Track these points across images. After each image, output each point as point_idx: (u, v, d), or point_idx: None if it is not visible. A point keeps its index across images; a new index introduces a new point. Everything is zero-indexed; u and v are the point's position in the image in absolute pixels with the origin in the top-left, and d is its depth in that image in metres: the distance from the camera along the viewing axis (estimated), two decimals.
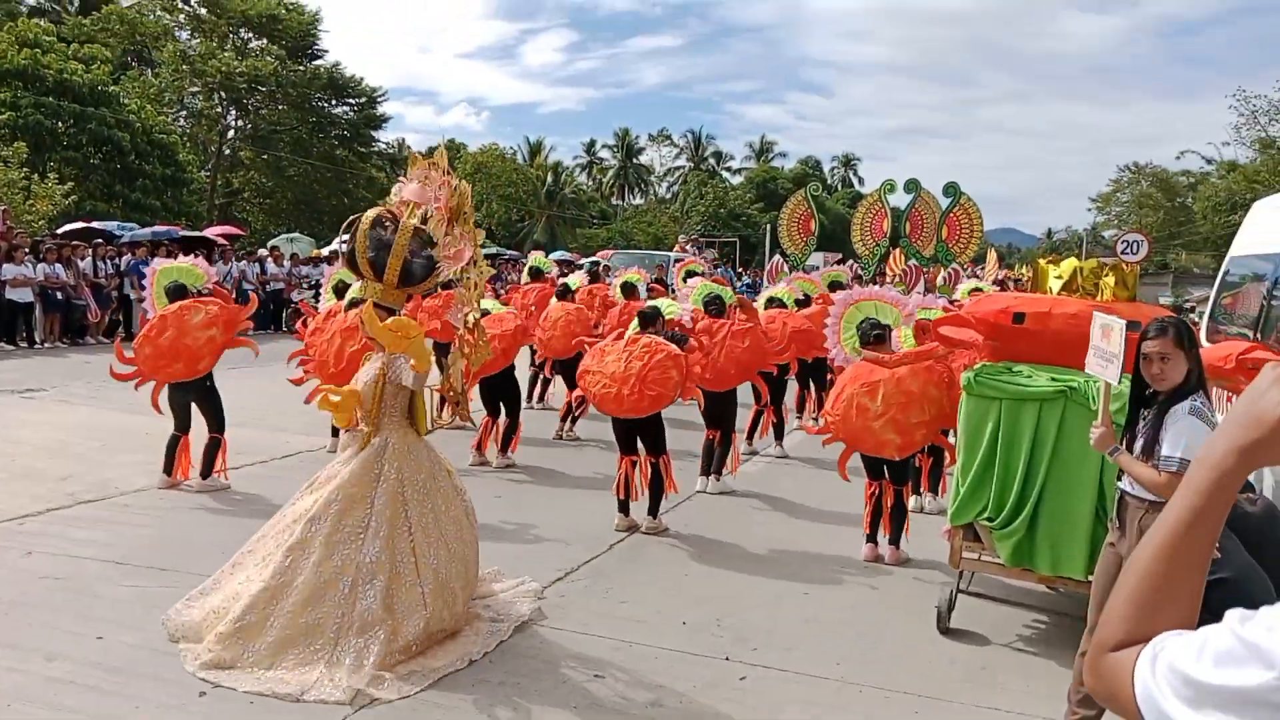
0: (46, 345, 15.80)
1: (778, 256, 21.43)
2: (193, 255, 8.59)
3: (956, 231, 21.44)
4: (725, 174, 68.54)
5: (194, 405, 7.39)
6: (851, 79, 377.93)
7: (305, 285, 20.55)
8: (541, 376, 11.77)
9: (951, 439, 6.16)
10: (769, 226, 35.79)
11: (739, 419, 8.45)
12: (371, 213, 4.61)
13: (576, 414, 10.25)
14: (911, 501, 7.19)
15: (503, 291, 13.89)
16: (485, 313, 8.83)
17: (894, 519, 6.48)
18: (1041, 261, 5.73)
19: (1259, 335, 6.16)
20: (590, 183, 67.23)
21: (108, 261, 17.56)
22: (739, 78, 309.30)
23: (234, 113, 38.73)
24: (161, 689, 4.15)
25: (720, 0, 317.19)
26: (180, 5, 38.76)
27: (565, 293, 10.76)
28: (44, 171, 23.90)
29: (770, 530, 7.18)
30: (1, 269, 15.23)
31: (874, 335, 6.46)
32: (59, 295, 16.11)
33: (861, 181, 73.09)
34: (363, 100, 40.67)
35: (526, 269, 13.88)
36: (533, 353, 11.55)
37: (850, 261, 21.76)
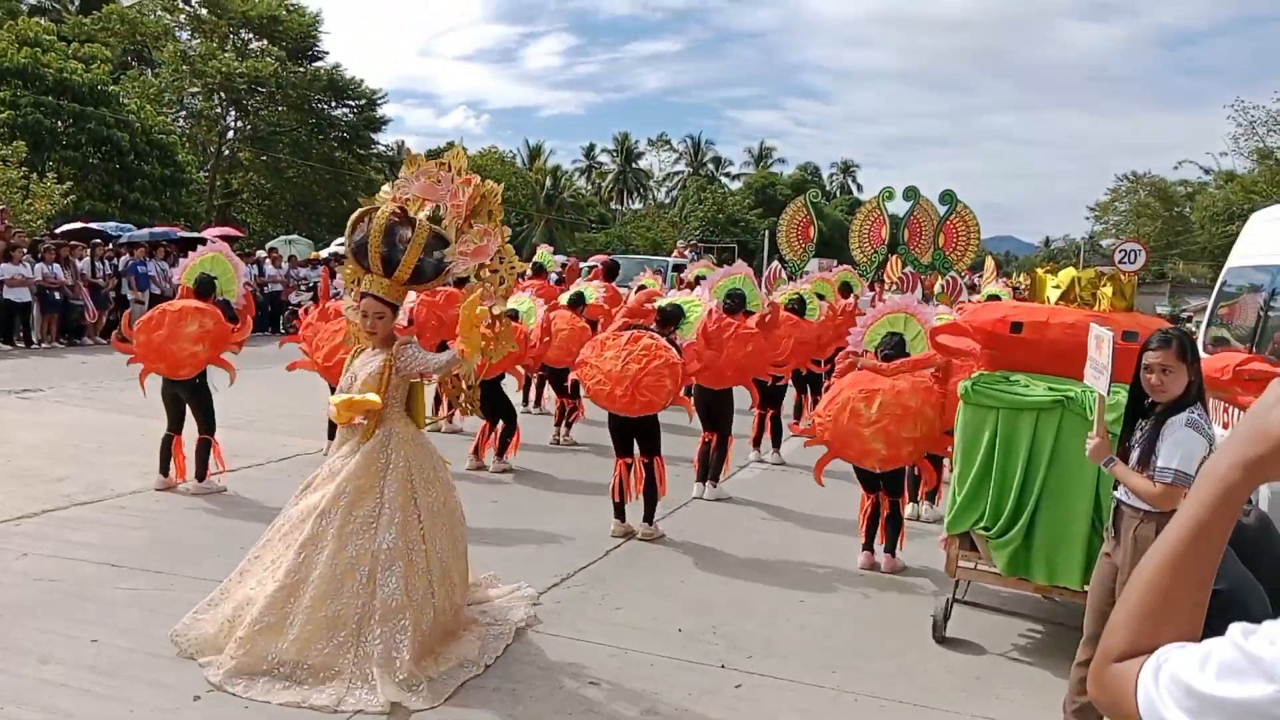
0: (43, 345, 15.79)
1: (775, 263, 21.45)
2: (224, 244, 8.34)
3: (954, 239, 21.50)
4: (724, 179, 68.68)
5: (186, 403, 7.39)
6: (851, 86, 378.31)
7: (303, 287, 20.55)
8: (535, 379, 11.70)
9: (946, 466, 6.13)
10: (767, 232, 35.80)
11: (743, 426, 8.43)
12: (387, 208, 4.60)
13: (570, 418, 10.25)
14: (908, 510, 7.19)
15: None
16: (514, 313, 8.85)
17: (890, 527, 6.47)
18: (1039, 271, 5.74)
19: (1256, 347, 6.18)
20: (589, 187, 67.35)
21: (105, 262, 17.56)
22: (738, 83, 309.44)
23: (233, 113, 38.78)
24: (156, 693, 4.14)
25: (720, 6, 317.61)
26: (181, 5, 38.83)
27: (579, 301, 10.39)
28: (43, 171, 23.91)
29: (766, 537, 7.18)
30: None
31: (885, 354, 6.43)
32: (57, 295, 16.11)
33: (860, 188, 73.23)
34: (362, 102, 40.75)
35: (531, 264, 13.76)
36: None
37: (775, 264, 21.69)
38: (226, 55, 36.07)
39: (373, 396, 4.50)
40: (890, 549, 6.48)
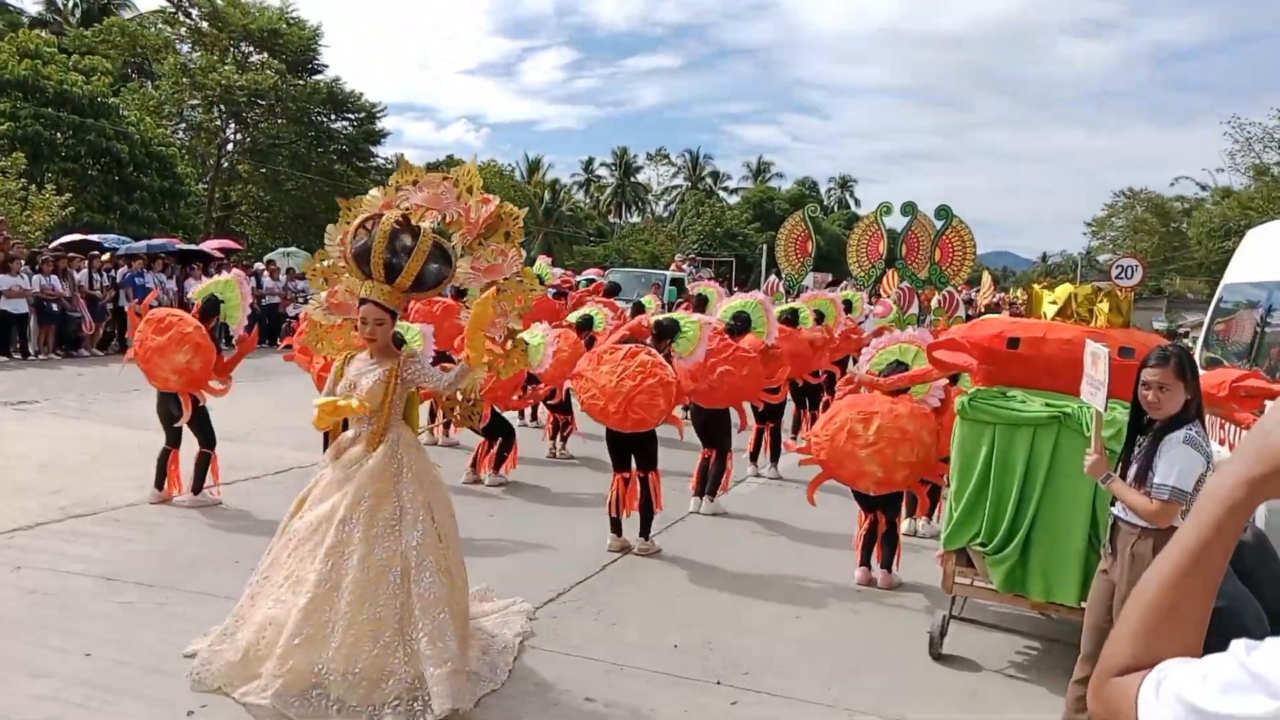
0: (40, 357, 15.76)
1: (773, 276, 21.49)
2: (234, 270, 8.38)
3: (949, 254, 21.55)
4: (722, 193, 68.91)
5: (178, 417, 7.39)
6: (848, 102, 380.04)
7: (301, 300, 20.54)
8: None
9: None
10: (765, 246, 35.87)
11: (740, 440, 8.40)
12: (392, 215, 4.60)
13: (565, 433, 10.24)
14: (904, 525, 7.18)
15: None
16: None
17: (887, 544, 6.46)
18: (1036, 287, 5.75)
19: (1252, 362, 6.18)
20: (588, 200, 67.51)
21: (103, 274, 17.55)
22: (736, 99, 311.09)
23: (233, 126, 38.85)
24: (149, 707, 4.12)
25: (718, 22, 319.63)
26: (182, 18, 38.93)
27: (587, 325, 10.15)
28: (42, 182, 23.92)
29: (763, 553, 7.16)
30: None
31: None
32: (54, 307, 16.10)
33: (858, 203, 73.53)
34: (362, 115, 40.80)
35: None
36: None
37: (773, 278, 21.69)
38: (226, 68, 36.15)
39: (354, 402, 4.49)
40: (887, 565, 6.47)
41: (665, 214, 67.90)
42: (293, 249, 30.45)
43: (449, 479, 8.24)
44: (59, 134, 26.40)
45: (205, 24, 38.27)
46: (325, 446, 6.23)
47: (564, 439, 10.26)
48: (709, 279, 18.74)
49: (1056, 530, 4.87)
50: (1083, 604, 4.61)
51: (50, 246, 18.47)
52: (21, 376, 13.63)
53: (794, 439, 11.13)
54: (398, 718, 4.04)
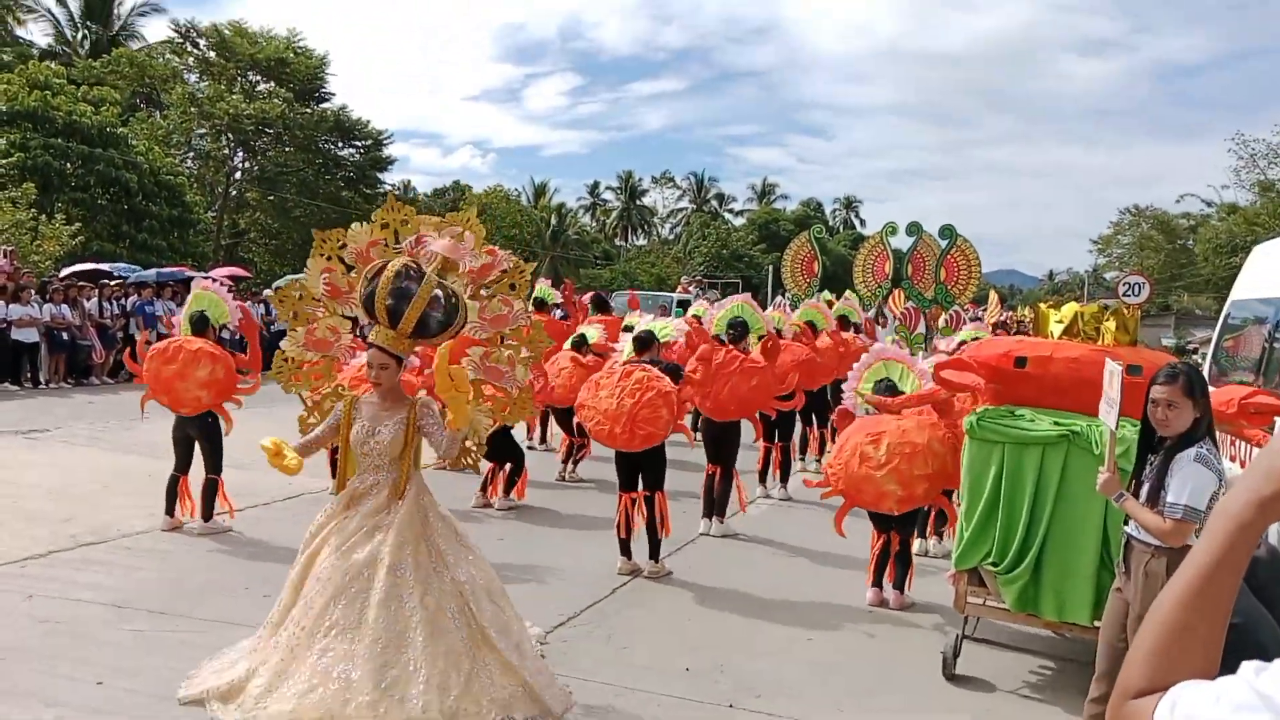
0: (51, 385, 15.82)
1: (780, 297, 21.50)
2: (220, 284, 8.36)
3: (954, 273, 21.55)
4: (728, 215, 69.15)
5: (195, 442, 7.42)
6: (851, 122, 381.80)
7: None
8: (539, 417, 11.71)
9: (955, 500, 6.09)
10: (771, 267, 35.90)
11: (748, 460, 8.38)
12: (398, 261, 4.62)
13: (578, 456, 10.24)
14: (916, 545, 7.15)
15: None
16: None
17: (899, 564, 6.44)
18: (1042, 306, 5.75)
19: (1261, 379, 6.17)
20: (594, 224, 67.78)
21: (113, 302, 17.64)
22: (740, 121, 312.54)
23: (241, 154, 39.09)
24: None
25: (721, 45, 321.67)
26: (189, 49, 39.28)
27: (581, 343, 10.35)
28: (51, 212, 24.09)
29: (773, 574, 7.14)
30: (8, 309, 15.30)
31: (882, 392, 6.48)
32: (64, 336, 16.17)
33: (863, 223, 73.67)
34: (369, 142, 41.06)
35: (531, 299, 13.74)
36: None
37: (779, 301, 21.63)
38: (234, 97, 36.43)
39: (293, 460, 4.51)
40: (899, 585, 6.45)
41: (671, 236, 68.11)
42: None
43: (459, 503, 8.27)
44: (68, 164, 26.60)
45: (213, 54, 38.61)
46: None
47: (575, 462, 10.25)
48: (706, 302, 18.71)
49: (1068, 549, 4.85)
50: (1095, 623, 4.59)
51: (60, 276, 18.57)
52: (32, 405, 13.69)
53: (802, 458, 11.13)
54: None
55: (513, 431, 8.88)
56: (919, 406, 6.21)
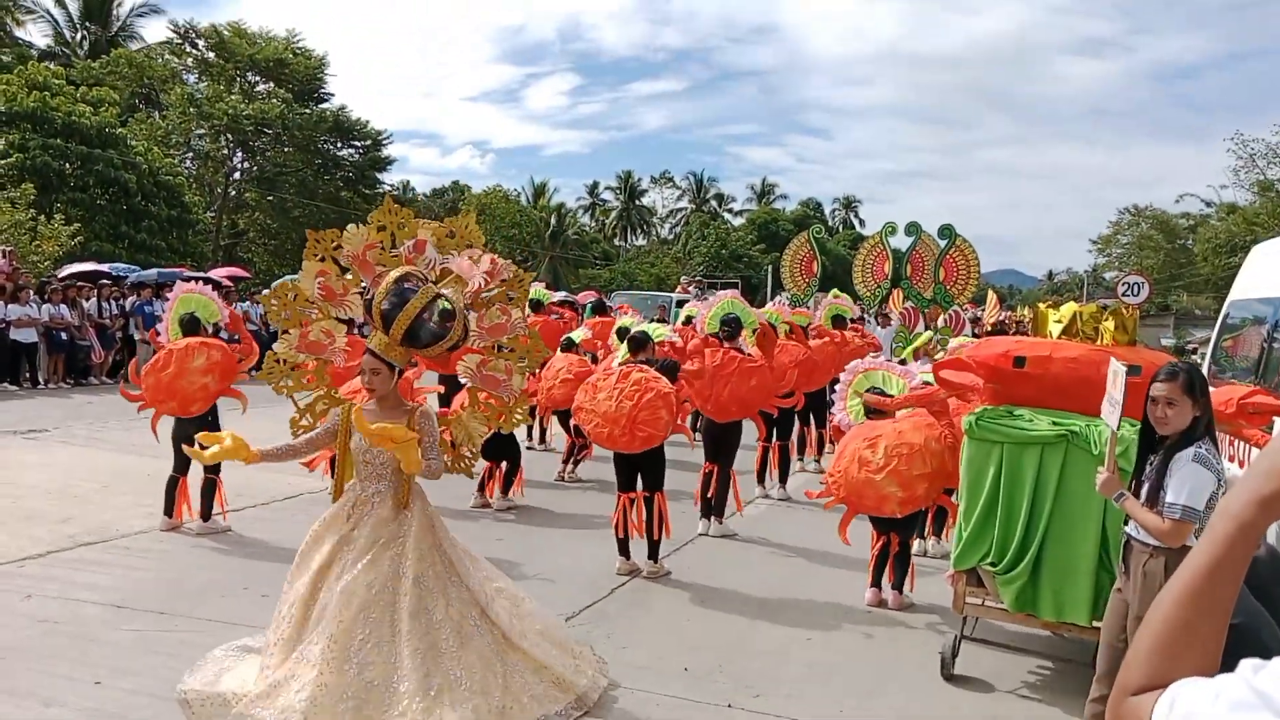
0: (50, 386, 15.82)
1: (779, 297, 21.49)
2: (209, 286, 8.33)
3: (953, 273, 21.54)
4: (727, 215, 69.10)
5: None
6: (851, 122, 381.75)
7: None
8: (540, 419, 11.73)
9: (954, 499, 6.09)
10: (771, 267, 35.90)
11: (747, 460, 8.38)
12: (401, 269, 4.62)
13: (579, 456, 10.23)
14: (915, 546, 7.15)
15: None
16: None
17: (898, 564, 6.44)
18: (1041, 306, 5.75)
19: (1260, 379, 6.17)
20: (593, 224, 67.75)
21: (112, 302, 17.64)
22: (740, 121, 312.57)
23: (240, 154, 39.09)
24: None
25: (721, 46, 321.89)
26: (188, 49, 39.29)
27: (569, 346, 10.52)
28: (50, 213, 24.08)
29: (773, 574, 7.13)
30: (6, 309, 15.30)
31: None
32: (63, 336, 16.17)
33: (862, 223, 73.65)
34: (368, 143, 41.08)
35: (526, 301, 13.75)
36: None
37: (779, 299, 21.60)
38: (233, 97, 36.44)
39: (245, 455, 4.57)
40: (898, 586, 6.45)
41: (670, 237, 68.07)
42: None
43: (457, 503, 8.27)
44: (67, 164, 26.59)
45: (212, 55, 38.62)
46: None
47: (575, 463, 10.25)
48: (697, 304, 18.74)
49: (1066, 549, 4.85)
50: (1094, 623, 4.59)
51: (59, 276, 18.58)
52: (31, 405, 13.69)
53: (801, 459, 11.13)
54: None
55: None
56: (917, 406, 6.20)
